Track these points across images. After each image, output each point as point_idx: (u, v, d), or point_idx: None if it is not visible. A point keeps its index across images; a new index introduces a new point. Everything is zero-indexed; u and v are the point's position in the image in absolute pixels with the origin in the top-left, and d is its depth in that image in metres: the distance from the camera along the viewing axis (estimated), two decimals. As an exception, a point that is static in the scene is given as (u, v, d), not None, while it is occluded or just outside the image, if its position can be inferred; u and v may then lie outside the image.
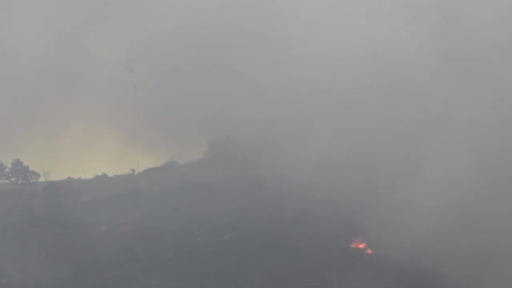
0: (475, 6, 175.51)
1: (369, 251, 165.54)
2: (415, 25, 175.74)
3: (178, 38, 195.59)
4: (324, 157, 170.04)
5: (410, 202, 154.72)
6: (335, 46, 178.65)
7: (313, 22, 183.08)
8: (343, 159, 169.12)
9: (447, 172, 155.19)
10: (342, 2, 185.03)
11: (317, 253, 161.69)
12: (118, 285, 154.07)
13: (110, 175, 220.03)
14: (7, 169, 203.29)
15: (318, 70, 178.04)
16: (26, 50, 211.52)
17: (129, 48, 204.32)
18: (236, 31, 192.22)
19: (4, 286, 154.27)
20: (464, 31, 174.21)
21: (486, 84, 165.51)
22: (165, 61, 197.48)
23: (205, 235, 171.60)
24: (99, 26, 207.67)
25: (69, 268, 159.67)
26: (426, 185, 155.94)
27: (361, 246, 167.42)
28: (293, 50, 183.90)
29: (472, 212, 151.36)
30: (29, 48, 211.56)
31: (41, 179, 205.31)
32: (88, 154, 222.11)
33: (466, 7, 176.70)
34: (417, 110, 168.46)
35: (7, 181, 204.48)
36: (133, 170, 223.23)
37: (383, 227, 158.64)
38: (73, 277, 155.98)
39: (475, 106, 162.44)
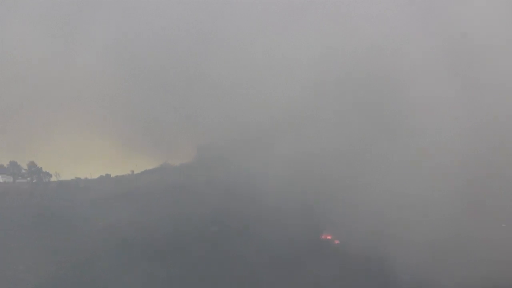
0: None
1: (336, 242, 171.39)
2: (374, 38, 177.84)
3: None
4: (296, 161, 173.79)
5: (370, 200, 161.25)
6: (303, 61, 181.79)
7: (283, 36, 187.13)
8: (314, 162, 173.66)
9: (399, 174, 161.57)
10: (311, 13, 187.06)
11: (292, 243, 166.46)
12: (118, 273, 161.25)
13: (112, 175, 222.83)
14: (23, 170, 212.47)
15: (287, 84, 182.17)
16: (37, 60, 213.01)
17: (123, 59, 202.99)
18: (216, 43, 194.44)
19: (21, 271, 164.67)
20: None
21: (433, 93, 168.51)
22: (159, 76, 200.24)
23: (193, 229, 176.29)
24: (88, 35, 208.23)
25: (76, 256, 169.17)
26: (382, 185, 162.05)
27: (329, 237, 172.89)
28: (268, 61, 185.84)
29: (420, 207, 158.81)
30: (40, 58, 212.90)
31: (53, 178, 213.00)
32: (94, 157, 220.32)
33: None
34: (371, 121, 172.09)
35: (23, 180, 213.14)
36: (132, 171, 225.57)
37: (347, 221, 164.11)
38: (79, 264, 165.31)
39: (421, 116, 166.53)
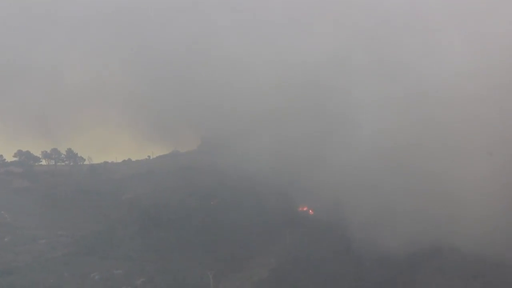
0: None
1: (311, 212, 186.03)
2: (326, 54, 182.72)
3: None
4: (275, 148, 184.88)
5: (331, 177, 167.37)
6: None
7: (268, 56, 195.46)
8: (289, 148, 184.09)
9: (349, 156, 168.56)
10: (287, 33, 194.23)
11: (276, 212, 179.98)
12: (136, 236, 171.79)
13: (133, 159, 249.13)
14: (62, 155, 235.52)
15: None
16: (72, 70, 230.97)
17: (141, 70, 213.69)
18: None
19: (60, 236, 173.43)
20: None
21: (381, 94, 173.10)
22: (169, 82, 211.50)
23: (197, 202, 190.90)
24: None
25: (104, 222, 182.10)
26: (339, 165, 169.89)
27: (305, 209, 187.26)
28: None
29: (365, 181, 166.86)
30: (74, 67, 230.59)
31: (86, 162, 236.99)
32: (118, 145, 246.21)
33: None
34: (328, 116, 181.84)
35: (62, 164, 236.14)
36: (149, 156, 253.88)
37: (319, 196, 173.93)
38: (106, 228, 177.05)
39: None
